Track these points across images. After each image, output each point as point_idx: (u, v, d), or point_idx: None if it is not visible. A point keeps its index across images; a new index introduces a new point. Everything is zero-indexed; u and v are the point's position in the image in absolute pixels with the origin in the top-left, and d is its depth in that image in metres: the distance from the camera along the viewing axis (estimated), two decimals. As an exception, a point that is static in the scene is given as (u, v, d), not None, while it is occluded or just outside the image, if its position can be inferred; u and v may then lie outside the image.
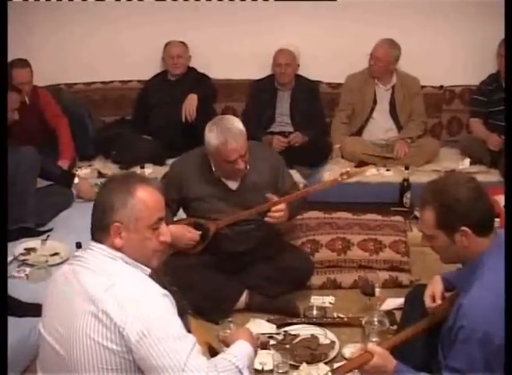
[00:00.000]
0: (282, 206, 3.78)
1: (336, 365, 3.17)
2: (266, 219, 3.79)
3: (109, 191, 2.33)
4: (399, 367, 2.58)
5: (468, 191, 2.51)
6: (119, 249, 2.29)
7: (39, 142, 5.18)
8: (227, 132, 3.69)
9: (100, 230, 2.30)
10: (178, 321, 2.22)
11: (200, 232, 3.88)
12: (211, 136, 3.71)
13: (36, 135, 5.36)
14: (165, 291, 2.27)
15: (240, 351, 2.41)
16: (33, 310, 3.08)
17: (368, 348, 2.61)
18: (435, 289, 2.90)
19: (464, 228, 2.49)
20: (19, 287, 3.60)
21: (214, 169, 3.86)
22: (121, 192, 2.30)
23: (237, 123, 3.77)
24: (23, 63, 5.32)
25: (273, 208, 3.76)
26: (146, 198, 2.32)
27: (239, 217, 3.87)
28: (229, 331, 3.49)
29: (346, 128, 5.86)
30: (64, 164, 5.28)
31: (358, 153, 5.55)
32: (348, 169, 4.24)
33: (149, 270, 2.36)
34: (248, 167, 3.80)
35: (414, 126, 5.83)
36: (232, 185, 3.92)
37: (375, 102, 5.81)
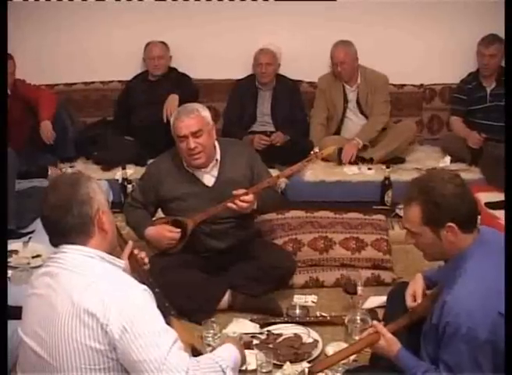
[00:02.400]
0: (250, 197, 3.78)
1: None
2: (229, 204, 3.79)
3: (70, 188, 2.30)
4: (402, 353, 2.63)
5: (454, 187, 2.53)
6: (95, 245, 2.30)
7: (23, 133, 5.43)
8: (182, 109, 3.91)
9: (81, 228, 2.29)
10: (159, 316, 2.23)
11: (179, 230, 3.88)
12: (172, 117, 3.89)
13: (19, 127, 5.42)
14: (145, 287, 2.27)
15: (224, 351, 2.42)
16: (16, 313, 3.07)
17: (377, 329, 2.67)
18: (416, 288, 2.92)
19: (450, 224, 2.50)
20: (1, 290, 3.59)
21: (184, 161, 3.89)
22: (83, 183, 2.32)
23: (196, 105, 3.95)
24: (8, 55, 5.31)
25: (241, 198, 3.78)
26: (95, 179, 2.42)
27: (214, 211, 3.87)
28: (212, 331, 3.50)
29: (324, 129, 5.87)
30: (45, 126, 5.45)
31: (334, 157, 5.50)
32: (316, 149, 4.24)
33: (123, 263, 2.40)
34: (201, 150, 3.80)
35: (372, 119, 5.78)
36: (209, 182, 3.94)
37: (346, 102, 5.82)
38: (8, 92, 5.32)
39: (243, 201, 3.77)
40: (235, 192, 3.79)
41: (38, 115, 5.57)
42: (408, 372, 2.58)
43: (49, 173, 5.20)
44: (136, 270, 2.62)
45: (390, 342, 2.66)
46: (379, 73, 5.84)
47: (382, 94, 5.82)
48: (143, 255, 2.79)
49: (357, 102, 5.84)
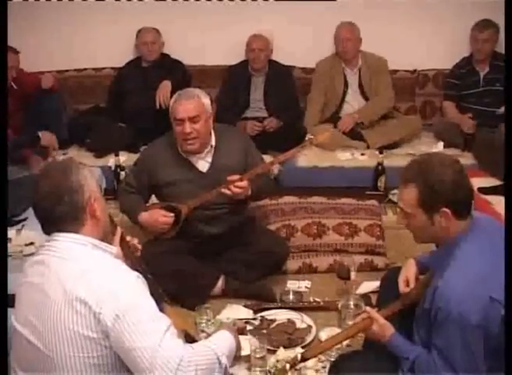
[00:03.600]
0: (244, 183, 3.79)
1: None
2: (223, 190, 3.80)
3: (61, 175, 2.29)
4: (395, 337, 2.64)
5: (453, 172, 2.51)
6: (87, 232, 2.29)
7: (17, 122, 5.43)
8: (183, 93, 3.90)
9: (72, 215, 2.27)
10: (152, 303, 2.22)
11: (172, 215, 3.88)
12: (172, 99, 3.90)
13: (13, 117, 5.35)
14: (137, 274, 2.27)
15: (220, 339, 2.42)
16: (9, 301, 3.07)
17: (370, 315, 2.68)
18: (408, 273, 2.92)
19: (444, 209, 2.49)
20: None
21: (178, 146, 3.89)
22: (73, 170, 2.31)
23: (198, 91, 3.94)
24: (13, 50, 5.36)
25: (235, 184, 3.78)
26: (86, 166, 2.41)
27: (207, 197, 3.87)
28: (205, 317, 3.51)
29: (319, 115, 5.86)
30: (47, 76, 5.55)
31: (328, 144, 5.49)
32: (311, 136, 4.24)
33: (115, 249, 2.39)
34: (196, 136, 3.80)
35: (376, 100, 5.81)
36: (203, 167, 3.95)
37: (346, 86, 5.81)
38: (14, 86, 5.40)
39: (237, 187, 3.77)
40: (229, 178, 3.79)
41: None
42: (401, 356, 2.59)
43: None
44: (129, 257, 2.62)
45: (383, 327, 2.67)
46: (378, 56, 5.85)
47: (385, 77, 5.85)
48: (135, 241, 2.79)
49: (360, 86, 5.83)
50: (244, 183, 3.79)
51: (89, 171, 2.37)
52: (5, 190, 3.10)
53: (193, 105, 3.79)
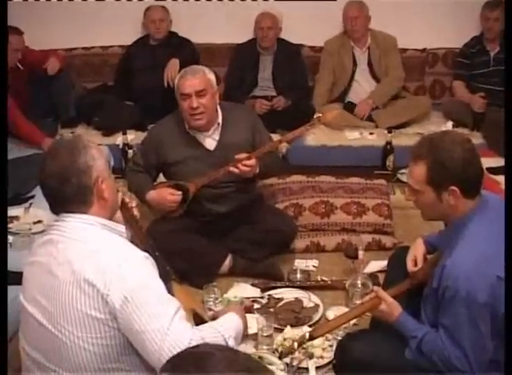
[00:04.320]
0: (252, 161, 3.79)
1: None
2: (231, 168, 3.79)
3: (69, 155, 2.25)
4: (403, 316, 2.64)
5: (464, 151, 2.50)
6: (95, 212, 2.27)
7: (24, 102, 5.43)
8: (188, 69, 3.93)
9: (80, 197, 2.25)
10: (161, 285, 2.21)
11: (180, 193, 3.88)
12: (178, 76, 3.92)
13: (21, 96, 5.43)
14: (146, 254, 2.26)
15: (227, 321, 2.42)
16: (17, 278, 3.08)
17: (378, 294, 2.68)
18: (416, 252, 2.92)
19: (453, 187, 2.48)
20: (2, 255, 3.60)
21: (185, 123, 3.89)
22: (81, 150, 2.26)
23: (202, 67, 3.97)
24: (18, 31, 5.35)
25: (243, 162, 3.78)
26: (94, 144, 2.36)
27: (215, 175, 3.87)
28: (213, 296, 3.51)
29: (328, 94, 5.83)
30: (53, 60, 5.53)
31: (337, 124, 5.49)
32: (319, 114, 4.22)
33: (124, 230, 2.36)
34: (203, 111, 3.79)
35: (387, 81, 5.78)
36: (210, 145, 3.94)
37: (355, 65, 5.78)
38: (20, 67, 5.40)
39: (245, 165, 3.77)
40: (237, 156, 3.78)
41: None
42: (408, 335, 2.60)
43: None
44: (130, 222, 2.60)
45: (391, 306, 2.67)
46: (388, 34, 5.82)
47: (395, 56, 5.82)
48: (132, 202, 2.77)
49: (369, 65, 5.79)
50: (252, 162, 3.79)
51: (97, 150, 2.33)
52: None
53: (199, 80, 3.79)
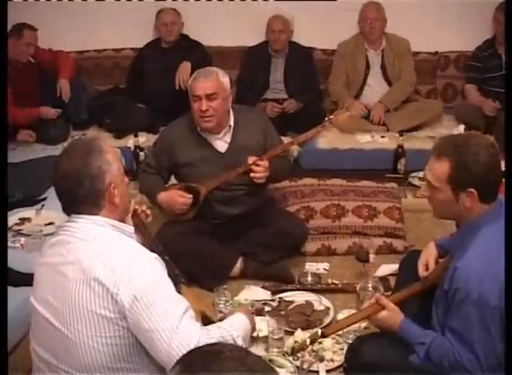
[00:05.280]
0: (265, 162, 3.80)
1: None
2: (251, 174, 3.80)
3: (84, 158, 2.25)
4: (405, 323, 2.62)
5: (489, 155, 2.47)
6: (105, 214, 2.28)
7: (36, 103, 5.53)
8: (202, 70, 3.93)
9: (91, 200, 2.26)
10: (170, 284, 2.22)
11: (191, 195, 3.88)
12: (192, 77, 3.94)
13: (31, 97, 5.53)
14: (155, 255, 2.27)
15: (235, 321, 2.43)
16: (29, 280, 3.09)
17: (379, 301, 2.66)
18: (428, 257, 2.90)
19: (472, 190, 2.46)
20: (14, 257, 3.61)
21: (196, 124, 3.89)
22: (96, 154, 2.27)
23: (217, 69, 3.96)
24: (32, 26, 5.46)
25: (256, 162, 3.79)
26: (110, 148, 2.36)
27: (226, 178, 3.87)
28: (224, 298, 3.51)
29: (346, 89, 5.81)
30: (64, 84, 5.52)
31: (348, 128, 5.46)
32: (331, 116, 4.21)
33: (133, 231, 2.38)
34: (213, 114, 3.79)
35: (400, 85, 5.76)
36: (221, 148, 3.94)
37: (368, 68, 5.77)
38: (31, 60, 5.48)
39: (257, 165, 3.77)
40: (250, 159, 3.79)
41: (56, 75, 5.60)
42: (414, 342, 2.57)
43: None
44: (140, 228, 2.60)
45: (393, 312, 2.64)
46: (401, 37, 5.80)
47: (408, 60, 5.81)
48: (144, 207, 2.79)
49: (382, 68, 5.79)
50: (265, 163, 3.79)
51: (113, 155, 2.33)
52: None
53: (210, 83, 3.79)
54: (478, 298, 2.35)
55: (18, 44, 5.35)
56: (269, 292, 3.73)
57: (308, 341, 2.74)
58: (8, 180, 4.26)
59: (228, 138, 3.94)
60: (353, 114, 5.11)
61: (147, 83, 5.79)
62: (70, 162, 2.26)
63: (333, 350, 3.14)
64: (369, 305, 2.78)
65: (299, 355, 3.05)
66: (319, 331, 2.72)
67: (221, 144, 3.94)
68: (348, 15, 5.79)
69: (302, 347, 2.82)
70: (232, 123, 3.94)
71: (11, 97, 5.30)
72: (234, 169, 3.84)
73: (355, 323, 2.88)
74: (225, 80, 3.87)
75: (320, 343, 3.10)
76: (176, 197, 3.88)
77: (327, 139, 5.42)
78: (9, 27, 5.28)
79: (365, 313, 2.76)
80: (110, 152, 2.32)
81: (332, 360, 3.10)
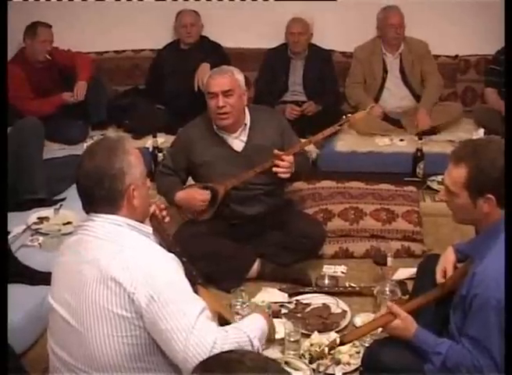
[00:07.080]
0: (290, 157, 3.81)
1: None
2: (274, 169, 3.81)
3: (107, 158, 2.27)
4: (420, 332, 2.59)
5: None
6: (124, 214, 2.29)
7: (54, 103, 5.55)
8: (217, 69, 4.00)
9: (110, 200, 2.27)
10: (187, 285, 2.23)
11: (209, 191, 3.89)
12: (207, 75, 3.99)
13: (56, 93, 5.56)
14: (172, 255, 2.28)
15: (252, 322, 2.42)
16: (47, 278, 3.11)
17: (391, 309, 2.64)
18: (446, 262, 2.87)
19: (490, 195, 2.45)
20: (32, 256, 3.64)
21: (213, 122, 3.91)
22: (119, 155, 2.28)
23: (232, 68, 4.02)
24: (45, 23, 5.49)
25: (282, 157, 3.80)
26: (135, 151, 2.37)
27: (245, 177, 3.88)
28: (241, 300, 3.51)
29: (364, 91, 5.81)
30: (81, 85, 5.53)
31: (367, 130, 5.48)
32: (349, 115, 4.19)
33: (151, 231, 2.38)
34: (229, 111, 3.81)
35: (431, 87, 5.74)
36: (238, 147, 3.95)
37: (385, 72, 5.75)
38: (48, 57, 5.51)
39: (283, 160, 3.78)
40: (275, 151, 3.80)
41: (75, 76, 5.62)
42: (429, 350, 2.54)
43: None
44: (158, 230, 2.61)
45: (405, 321, 2.61)
46: (419, 40, 5.77)
47: (430, 62, 5.79)
48: (162, 206, 2.79)
49: (401, 72, 5.76)
50: (291, 158, 3.80)
51: (136, 156, 2.34)
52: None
53: (226, 80, 3.82)
54: (498, 305, 2.33)
55: (33, 43, 5.41)
56: (286, 294, 3.73)
57: (327, 349, 2.73)
58: (36, 178, 4.33)
59: (244, 137, 3.95)
60: (370, 113, 5.10)
61: (166, 85, 5.81)
62: (93, 160, 2.28)
63: (350, 353, 3.13)
64: (382, 314, 2.75)
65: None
66: (338, 339, 2.71)
67: (237, 143, 3.95)
68: (368, 17, 5.77)
69: (321, 355, 2.81)
70: (248, 121, 3.95)
71: (31, 94, 5.35)
72: (250, 168, 3.85)
73: (371, 331, 2.86)
74: (240, 77, 3.90)
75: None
76: (195, 194, 3.90)
77: (346, 142, 5.41)
78: (24, 29, 5.41)
79: (379, 323, 2.73)
80: (134, 154, 2.34)
81: (349, 363, 3.09)
